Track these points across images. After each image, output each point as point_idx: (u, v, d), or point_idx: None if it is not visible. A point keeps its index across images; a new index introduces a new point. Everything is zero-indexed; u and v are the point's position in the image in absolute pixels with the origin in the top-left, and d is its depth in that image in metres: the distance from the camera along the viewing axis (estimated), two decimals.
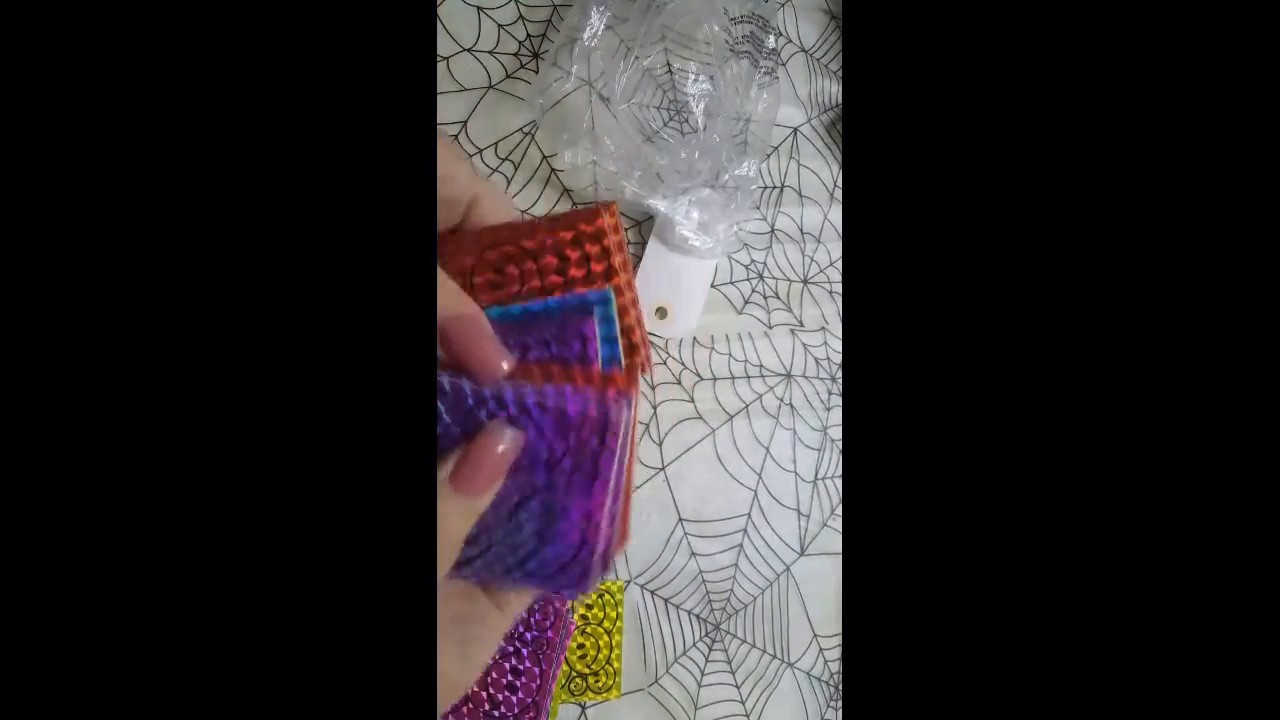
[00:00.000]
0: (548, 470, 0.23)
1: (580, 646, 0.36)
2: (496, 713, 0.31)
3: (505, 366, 0.23)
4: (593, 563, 0.23)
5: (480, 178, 0.27)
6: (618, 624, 0.36)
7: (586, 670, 0.36)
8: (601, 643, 0.36)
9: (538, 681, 0.31)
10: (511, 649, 0.31)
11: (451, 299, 0.23)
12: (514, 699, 0.31)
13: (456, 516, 0.23)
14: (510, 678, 0.31)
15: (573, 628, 0.35)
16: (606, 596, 0.36)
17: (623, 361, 0.26)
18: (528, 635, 0.32)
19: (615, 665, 0.36)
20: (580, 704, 0.37)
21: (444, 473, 0.23)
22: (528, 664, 0.31)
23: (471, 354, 0.23)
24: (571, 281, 0.26)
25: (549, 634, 0.32)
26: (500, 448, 0.23)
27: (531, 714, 0.31)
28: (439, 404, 0.23)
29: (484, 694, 0.31)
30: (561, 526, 0.23)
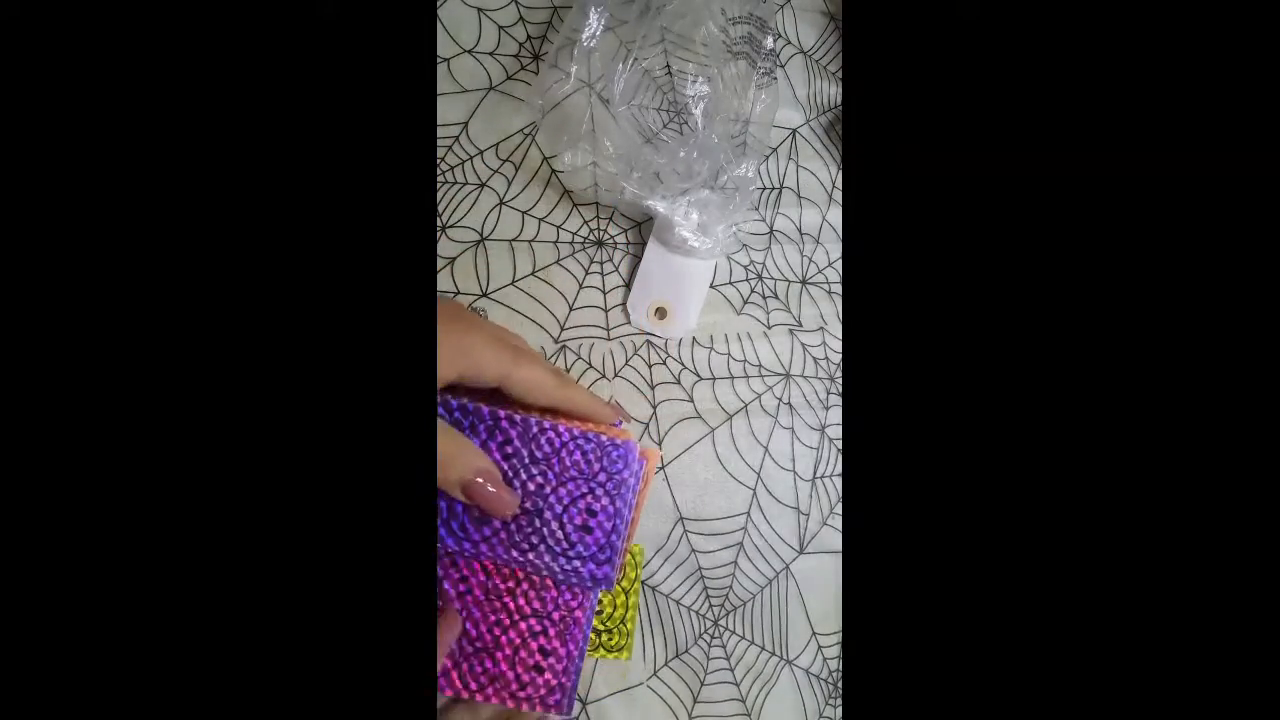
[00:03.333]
0: (588, 483, 0.30)
1: (598, 602, 0.36)
2: (523, 693, 0.31)
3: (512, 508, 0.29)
4: (619, 556, 0.31)
5: (512, 353, 0.30)
6: (635, 585, 0.37)
7: (601, 627, 0.36)
8: (619, 601, 0.37)
9: (564, 663, 0.31)
10: (540, 628, 0.31)
11: (470, 459, 0.28)
12: (540, 680, 0.31)
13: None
14: (538, 658, 0.31)
15: (597, 603, 0.35)
16: (628, 557, 0.37)
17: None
18: (555, 615, 0.32)
19: (629, 626, 0.37)
20: (592, 660, 0.37)
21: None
22: (554, 643, 0.31)
23: (497, 506, 0.29)
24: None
25: (576, 613, 0.32)
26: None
27: (558, 695, 0.31)
28: (511, 433, 0.30)
29: (510, 674, 0.31)
30: (595, 522, 0.30)
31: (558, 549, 0.30)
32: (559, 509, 0.30)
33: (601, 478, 0.30)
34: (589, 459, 0.30)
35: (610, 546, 0.30)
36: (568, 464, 0.30)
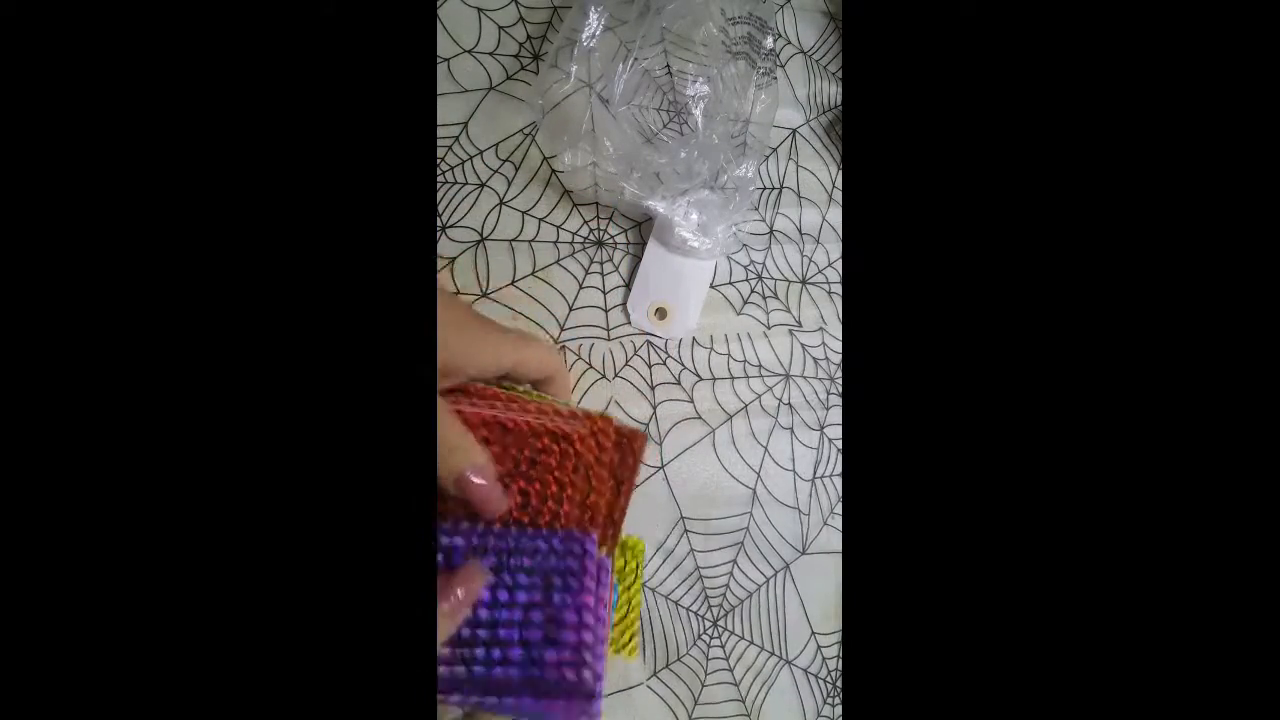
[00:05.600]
0: (544, 590, 0.29)
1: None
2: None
3: (504, 506, 0.29)
4: (590, 670, 0.28)
5: (514, 339, 0.31)
6: (637, 582, 0.35)
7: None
8: (623, 599, 0.36)
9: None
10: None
11: (468, 453, 0.28)
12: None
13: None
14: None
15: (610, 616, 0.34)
16: (629, 553, 0.36)
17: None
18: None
19: (634, 617, 0.36)
20: None
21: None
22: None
23: (487, 502, 0.29)
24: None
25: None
26: (461, 591, 0.28)
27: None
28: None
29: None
30: (563, 633, 0.28)
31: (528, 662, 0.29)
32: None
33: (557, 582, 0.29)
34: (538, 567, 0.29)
35: (584, 645, 0.29)
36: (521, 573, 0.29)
